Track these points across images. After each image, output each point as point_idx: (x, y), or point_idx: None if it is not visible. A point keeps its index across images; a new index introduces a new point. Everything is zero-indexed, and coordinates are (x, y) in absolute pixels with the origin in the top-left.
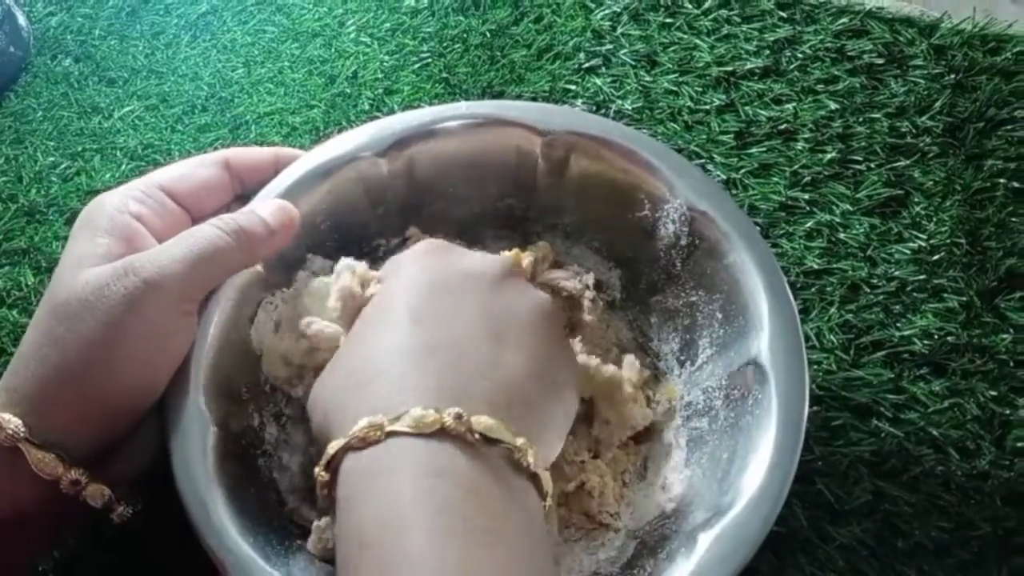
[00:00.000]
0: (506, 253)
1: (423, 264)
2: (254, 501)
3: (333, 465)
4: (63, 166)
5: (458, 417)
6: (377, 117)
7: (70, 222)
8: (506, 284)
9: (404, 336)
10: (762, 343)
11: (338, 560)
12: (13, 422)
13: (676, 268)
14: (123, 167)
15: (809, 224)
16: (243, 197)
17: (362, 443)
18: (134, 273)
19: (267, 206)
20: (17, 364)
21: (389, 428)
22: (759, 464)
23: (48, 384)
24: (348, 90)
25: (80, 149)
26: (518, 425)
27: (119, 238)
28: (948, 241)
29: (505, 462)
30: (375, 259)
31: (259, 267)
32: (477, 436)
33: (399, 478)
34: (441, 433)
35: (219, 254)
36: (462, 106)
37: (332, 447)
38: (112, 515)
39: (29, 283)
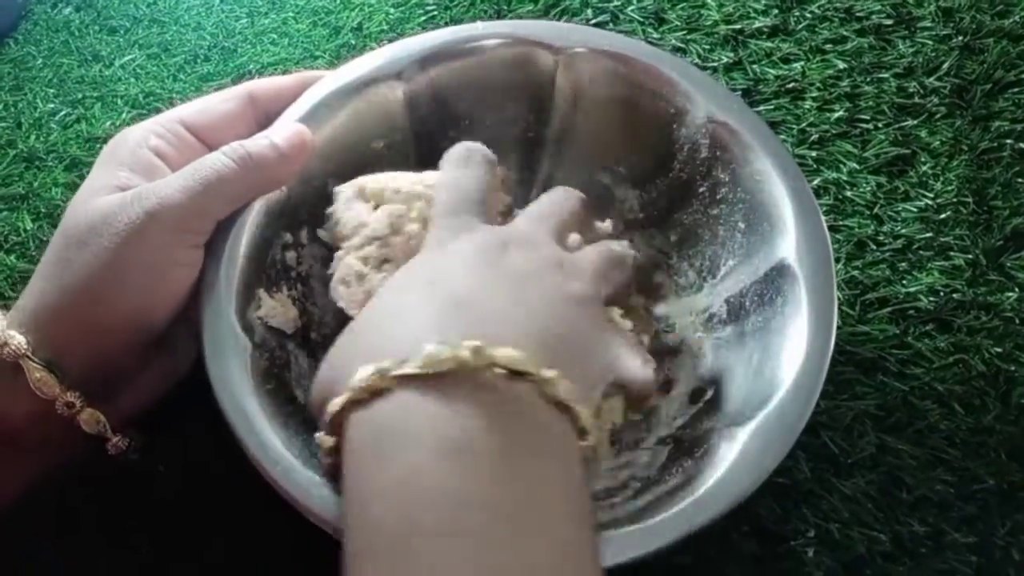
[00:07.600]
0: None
1: (452, 238)
2: (294, 418)
3: (336, 427)
4: (63, 113)
5: (477, 351)
6: None
7: (69, 168)
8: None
9: (421, 291)
10: (789, 245)
11: (346, 543)
12: (17, 338)
13: (696, 182)
14: (123, 115)
15: (816, 182)
16: (266, 127)
17: (366, 395)
18: (139, 203)
19: (279, 130)
20: (30, 284)
21: (396, 372)
22: (793, 358)
23: (50, 303)
24: (353, 41)
25: (80, 96)
26: (550, 359)
27: (138, 172)
28: (955, 200)
29: (537, 398)
30: None
31: (284, 190)
32: (501, 371)
33: (410, 452)
34: (459, 375)
35: (223, 183)
36: (478, 26)
37: (334, 404)
38: (108, 445)
39: (27, 228)
